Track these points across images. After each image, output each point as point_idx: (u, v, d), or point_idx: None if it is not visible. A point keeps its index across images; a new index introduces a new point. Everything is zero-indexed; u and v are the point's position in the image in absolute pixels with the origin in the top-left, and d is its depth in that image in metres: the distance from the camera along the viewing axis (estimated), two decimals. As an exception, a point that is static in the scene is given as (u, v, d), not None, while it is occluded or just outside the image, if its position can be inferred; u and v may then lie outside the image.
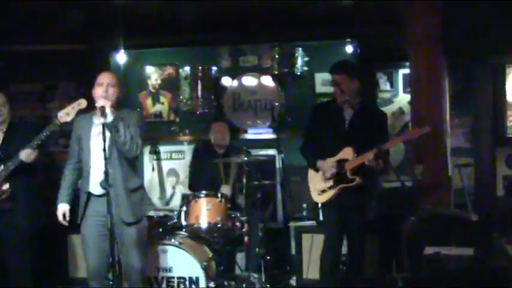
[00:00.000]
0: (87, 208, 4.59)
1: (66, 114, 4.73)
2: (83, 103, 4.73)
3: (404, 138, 5.34)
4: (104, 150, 4.16)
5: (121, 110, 4.55)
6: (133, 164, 4.71)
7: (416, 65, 5.88)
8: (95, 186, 4.49)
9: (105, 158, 4.15)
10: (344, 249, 5.14)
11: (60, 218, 4.65)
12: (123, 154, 4.47)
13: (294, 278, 6.32)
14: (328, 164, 4.95)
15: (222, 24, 6.85)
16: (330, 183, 4.98)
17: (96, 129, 4.56)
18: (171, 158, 7.43)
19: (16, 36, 7.04)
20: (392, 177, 6.44)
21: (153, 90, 7.46)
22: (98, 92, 4.50)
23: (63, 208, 4.64)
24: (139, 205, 4.64)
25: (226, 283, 5.74)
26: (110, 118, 4.29)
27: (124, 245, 4.55)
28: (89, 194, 4.57)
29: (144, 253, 4.69)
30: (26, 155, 4.82)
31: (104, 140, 4.18)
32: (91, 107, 4.74)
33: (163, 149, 7.31)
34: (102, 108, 4.27)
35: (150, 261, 5.19)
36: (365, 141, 4.83)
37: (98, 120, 4.56)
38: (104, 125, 4.24)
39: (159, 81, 7.46)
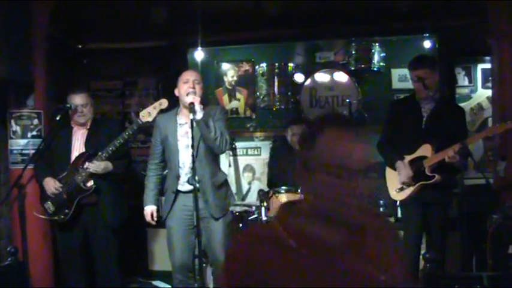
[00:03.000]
0: (175, 203, 4.68)
1: (148, 114, 4.82)
2: (164, 103, 4.81)
3: (487, 134, 5.21)
4: (192, 147, 4.22)
5: (205, 106, 4.57)
6: (218, 160, 4.79)
7: (499, 59, 5.71)
8: (184, 184, 4.59)
9: (193, 155, 4.21)
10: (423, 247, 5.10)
11: (149, 218, 4.77)
12: (210, 150, 4.53)
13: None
14: (405, 168, 4.90)
15: (298, 21, 6.85)
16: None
17: (182, 129, 4.63)
18: (247, 154, 7.50)
19: (98, 35, 7.24)
20: (473, 174, 6.35)
21: (229, 87, 7.55)
22: (184, 89, 4.55)
23: (150, 209, 4.77)
24: (225, 200, 4.72)
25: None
26: (199, 114, 4.34)
27: (210, 239, 4.63)
28: (177, 192, 4.66)
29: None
30: (95, 166, 4.96)
31: (193, 137, 4.23)
32: (172, 102, 4.85)
33: (239, 145, 7.37)
34: (192, 104, 4.32)
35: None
36: (444, 138, 4.76)
37: (183, 120, 4.64)
38: (193, 121, 4.28)
39: (235, 78, 7.54)
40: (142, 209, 4.83)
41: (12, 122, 5.49)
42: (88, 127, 5.22)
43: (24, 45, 5.32)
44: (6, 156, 5.60)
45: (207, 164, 4.58)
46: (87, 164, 4.97)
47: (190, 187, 4.39)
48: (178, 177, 4.62)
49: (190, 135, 4.34)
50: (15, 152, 5.51)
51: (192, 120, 4.29)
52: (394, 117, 5.15)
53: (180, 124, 4.66)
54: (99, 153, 4.95)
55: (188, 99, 4.37)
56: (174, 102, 4.81)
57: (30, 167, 5.32)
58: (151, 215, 4.76)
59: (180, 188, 4.64)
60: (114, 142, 4.92)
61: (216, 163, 4.71)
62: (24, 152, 5.48)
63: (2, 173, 5.81)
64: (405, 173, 4.90)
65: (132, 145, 7.30)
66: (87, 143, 5.15)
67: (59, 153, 5.18)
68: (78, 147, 5.15)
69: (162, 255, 6.41)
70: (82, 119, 5.18)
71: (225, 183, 4.79)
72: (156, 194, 4.83)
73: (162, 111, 4.82)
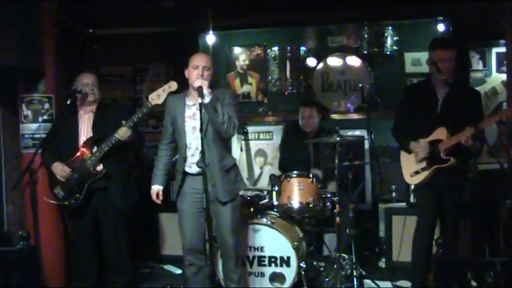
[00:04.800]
0: (184, 185, 4.68)
1: (157, 97, 4.81)
2: (173, 86, 4.80)
3: (501, 117, 5.17)
4: (201, 130, 4.19)
5: (214, 89, 4.55)
6: (227, 144, 4.78)
7: (514, 42, 5.64)
8: (191, 166, 4.59)
9: (202, 138, 4.17)
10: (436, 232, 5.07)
11: (154, 197, 4.77)
12: (218, 134, 4.52)
13: (383, 260, 6.27)
14: (421, 145, 4.88)
15: (310, 4, 6.77)
16: (424, 164, 4.91)
17: (190, 111, 4.63)
18: (259, 139, 7.46)
19: (109, 21, 7.21)
20: (486, 159, 6.30)
21: (241, 71, 7.51)
22: (193, 74, 4.53)
23: (156, 189, 4.77)
24: (234, 184, 4.71)
25: (315, 263, 5.75)
26: (207, 99, 4.32)
27: (219, 223, 4.65)
28: (185, 174, 4.66)
29: (237, 230, 4.77)
30: (122, 132, 4.91)
31: (201, 121, 4.20)
32: (182, 87, 4.82)
33: (251, 129, 7.35)
34: (200, 88, 4.29)
35: (242, 240, 5.25)
36: (459, 121, 4.73)
37: (191, 101, 4.64)
38: (201, 105, 4.25)
39: (247, 62, 7.50)
40: (153, 193, 4.84)
41: (24, 106, 5.48)
42: (94, 111, 5.22)
43: (34, 31, 5.30)
44: (18, 141, 5.60)
45: (215, 147, 4.56)
46: (115, 135, 4.92)
47: (198, 169, 4.39)
48: (185, 158, 4.63)
49: (197, 117, 4.33)
50: (26, 136, 5.51)
51: (200, 104, 4.24)
52: (409, 102, 5.12)
53: (188, 105, 4.66)
54: (124, 121, 4.91)
55: (196, 84, 4.34)
56: (185, 86, 4.77)
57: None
58: (157, 195, 4.76)
59: (187, 169, 4.64)
60: (125, 124, 4.92)
61: (225, 147, 4.70)
62: (35, 136, 5.48)
63: (14, 158, 5.82)
64: (422, 149, 4.86)
65: (144, 130, 7.32)
66: (94, 127, 5.16)
67: (66, 138, 5.17)
68: (85, 131, 5.16)
69: (174, 240, 6.44)
70: (92, 97, 5.18)
71: (234, 167, 4.76)
72: (164, 174, 4.81)
73: (173, 93, 4.80)
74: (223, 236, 4.69)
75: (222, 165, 4.61)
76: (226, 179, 4.62)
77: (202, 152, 4.17)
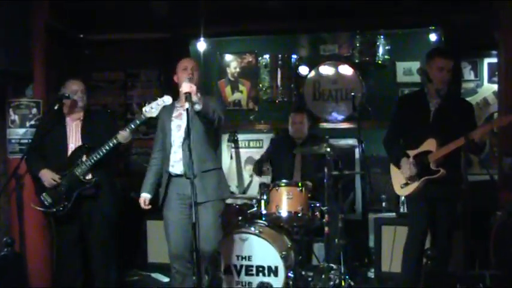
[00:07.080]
0: (169, 190, 4.67)
1: (150, 110, 4.81)
2: (168, 100, 4.79)
3: (492, 126, 5.13)
4: (189, 136, 4.12)
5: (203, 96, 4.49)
6: (211, 147, 4.73)
7: (506, 53, 5.62)
8: (173, 165, 4.61)
9: (190, 147, 4.09)
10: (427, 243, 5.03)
11: (142, 205, 4.80)
12: (202, 136, 4.53)
13: (372, 270, 6.23)
14: (409, 166, 4.81)
15: (302, 12, 6.74)
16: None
17: (177, 112, 4.69)
18: (249, 147, 7.46)
19: (100, 26, 7.17)
20: (478, 170, 6.28)
21: (232, 79, 7.50)
22: (183, 76, 4.54)
23: (144, 197, 4.79)
24: (213, 187, 4.65)
25: (304, 273, 5.70)
26: (198, 107, 4.25)
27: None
28: (170, 176, 4.65)
29: (215, 235, 4.69)
30: (124, 136, 4.90)
31: (189, 127, 4.12)
32: (173, 93, 4.81)
33: (241, 137, 7.29)
34: (187, 93, 4.21)
35: (230, 249, 5.25)
36: (451, 132, 4.69)
37: (179, 104, 4.69)
38: (188, 111, 4.12)
39: (238, 70, 7.50)
40: (141, 202, 4.85)
41: (11, 111, 5.44)
42: (82, 118, 5.17)
43: (23, 35, 5.27)
44: (5, 146, 5.54)
45: (196, 148, 4.36)
46: (117, 136, 4.90)
47: (181, 169, 4.49)
48: (169, 156, 4.64)
49: (183, 117, 4.37)
50: (13, 141, 5.46)
51: (187, 110, 4.13)
52: (402, 112, 5.08)
53: (176, 107, 4.72)
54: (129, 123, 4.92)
55: (184, 89, 4.25)
56: (176, 92, 4.74)
57: (27, 157, 5.25)
58: (144, 203, 4.79)
59: (170, 169, 4.65)
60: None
61: (207, 150, 4.66)
62: (22, 141, 5.43)
63: (1, 163, 5.76)
64: (409, 170, 4.81)
65: (135, 136, 7.26)
66: (84, 134, 5.11)
67: (54, 146, 5.11)
68: (74, 139, 5.10)
69: (162, 248, 6.34)
70: (81, 104, 5.13)
71: (214, 171, 4.71)
72: (153, 183, 4.82)
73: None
74: (200, 239, 4.40)
75: (200, 167, 4.53)
76: (204, 181, 4.57)
77: (191, 161, 4.09)
